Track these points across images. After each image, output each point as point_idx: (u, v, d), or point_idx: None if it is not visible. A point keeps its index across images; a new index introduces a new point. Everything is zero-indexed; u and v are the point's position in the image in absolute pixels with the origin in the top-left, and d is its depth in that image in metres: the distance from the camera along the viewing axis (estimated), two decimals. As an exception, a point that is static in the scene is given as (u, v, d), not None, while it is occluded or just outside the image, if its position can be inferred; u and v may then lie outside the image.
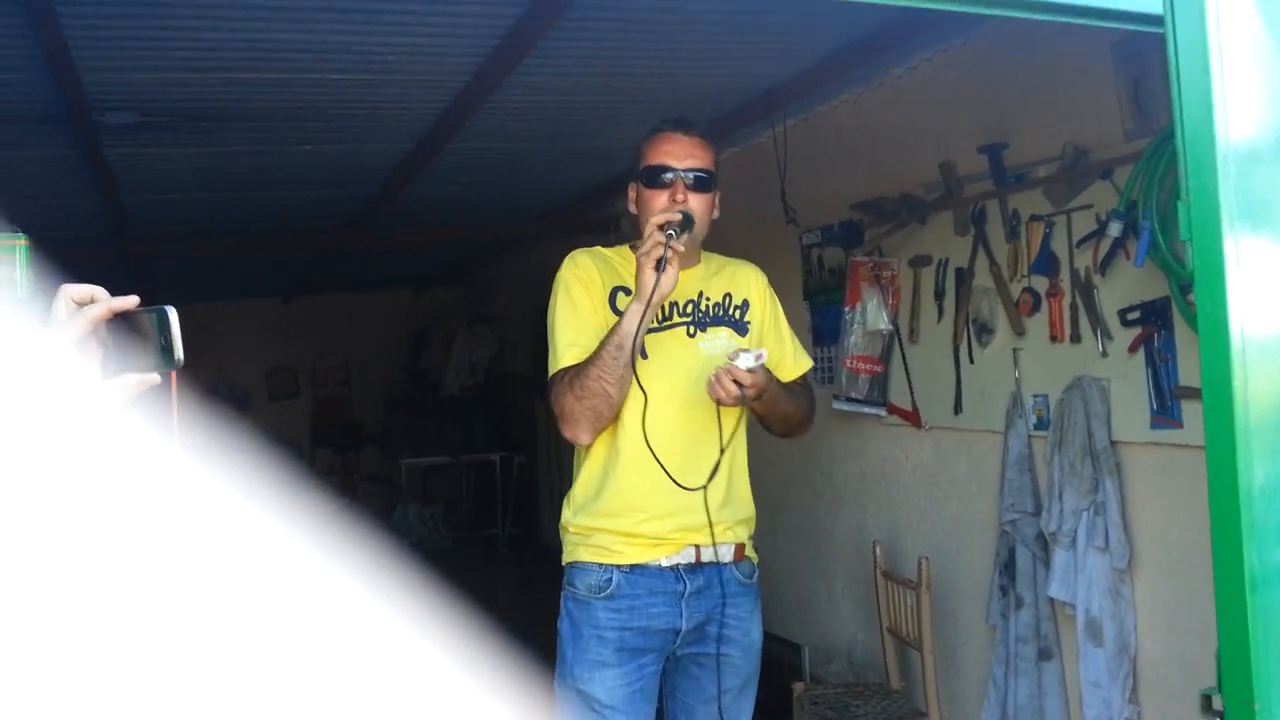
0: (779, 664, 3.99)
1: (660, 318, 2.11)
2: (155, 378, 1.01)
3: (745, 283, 2.25)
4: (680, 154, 2.10)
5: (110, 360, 1.01)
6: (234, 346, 8.95)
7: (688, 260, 2.13)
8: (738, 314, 2.21)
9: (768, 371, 2.06)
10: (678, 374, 2.08)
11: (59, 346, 0.98)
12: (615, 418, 2.07)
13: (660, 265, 1.95)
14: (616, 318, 2.05)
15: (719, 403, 2.00)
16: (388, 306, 9.73)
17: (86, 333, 0.99)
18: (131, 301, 1.01)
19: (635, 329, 1.98)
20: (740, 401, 1.99)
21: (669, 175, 2.09)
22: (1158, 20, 1.61)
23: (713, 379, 1.98)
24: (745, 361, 1.96)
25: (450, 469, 8.91)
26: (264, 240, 6.19)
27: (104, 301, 1.00)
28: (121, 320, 1.01)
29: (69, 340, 0.98)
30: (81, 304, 1.00)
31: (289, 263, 7.36)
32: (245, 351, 9.25)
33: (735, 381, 1.95)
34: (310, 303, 9.41)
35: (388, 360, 9.79)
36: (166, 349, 1.00)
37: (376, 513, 9.21)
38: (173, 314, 1.01)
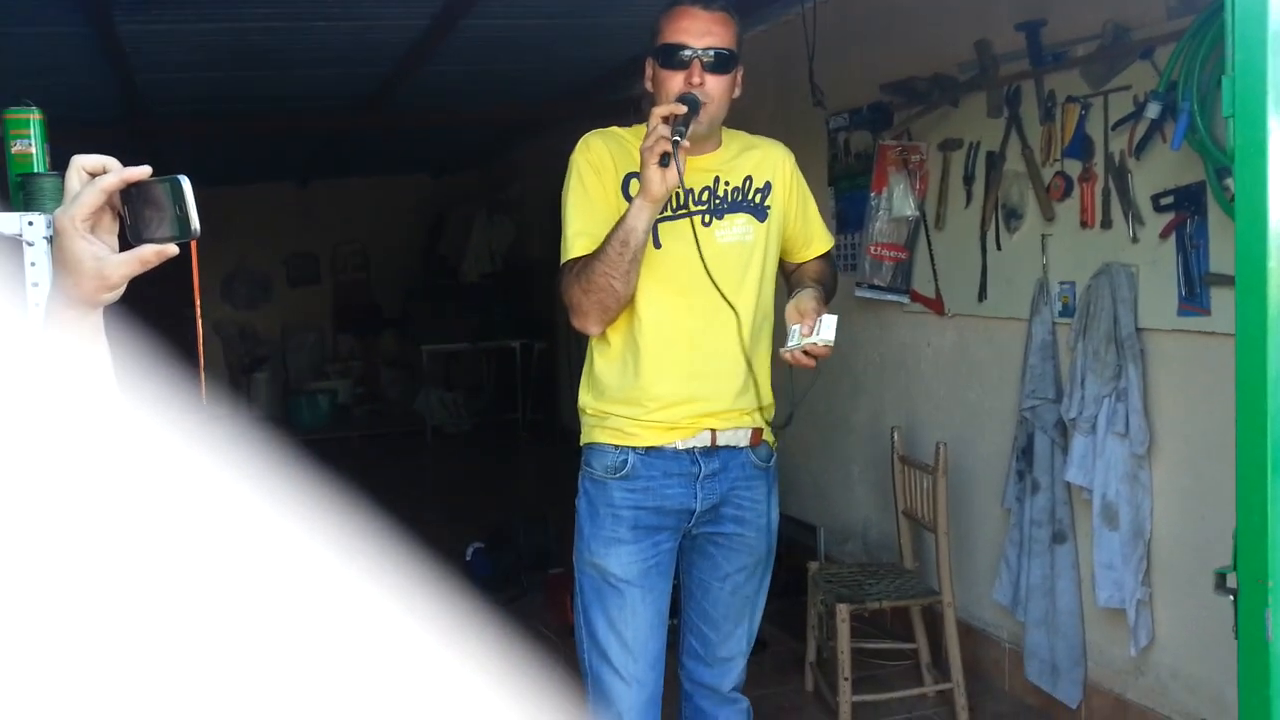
0: (795, 543, 4.07)
1: (675, 205, 2.06)
2: (173, 249, 1.00)
3: (770, 164, 2.18)
4: (698, 31, 2.01)
5: (130, 230, 1.00)
6: (252, 231, 8.95)
7: (706, 144, 2.08)
8: (758, 198, 2.16)
9: (817, 290, 2.12)
10: (692, 263, 2.05)
11: (74, 219, 0.97)
12: (629, 307, 2.06)
13: (664, 161, 1.89)
14: (629, 204, 2.01)
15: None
16: (405, 191, 9.66)
17: (100, 203, 0.98)
18: (144, 171, 1.00)
19: (640, 225, 1.95)
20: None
21: (686, 54, 2.00)
22: (1214, -118, 1.53)
23: (791, 355, 2.00)
24: (825, 335, 1.95)
25: (471, 355, 8.98)
26: (278, 120, 6.11)
27: (116, 171, 0.99)
28: (135, 191, 1.00)
29: (83, 211, 0.96)
30: (94, 174, 0.99)
31: (305, 145, 7.28)
32: (264, 236, 9.25)
33: (810, 354, 1.98)
34: (328, 186, 9.36)
35: (406, 246, 9.77)
36: (182, 219, 1.00)
37: (399, 397, 9.35)
38: (186, 183, 1.00)
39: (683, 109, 1.92)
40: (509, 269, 8.83)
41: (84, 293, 0.98)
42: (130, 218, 1.00)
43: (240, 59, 4.53)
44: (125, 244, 1.01)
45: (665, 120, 1.90)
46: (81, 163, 1.00)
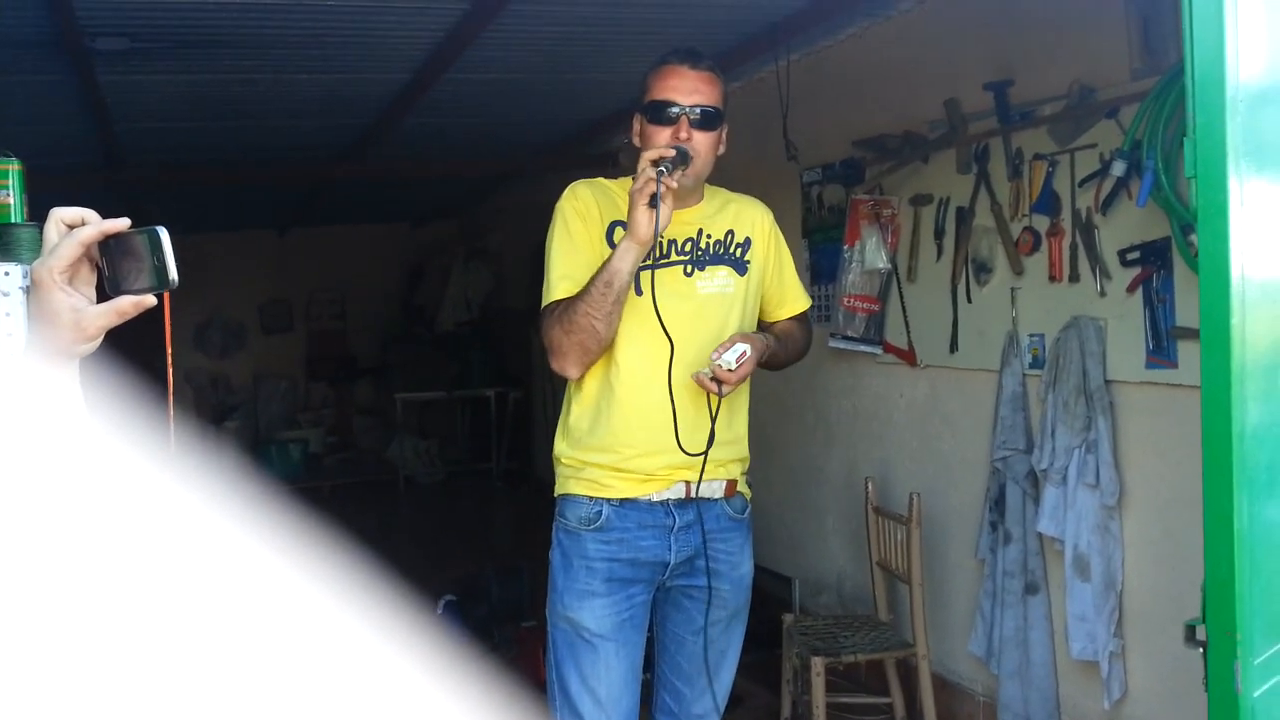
0: (769, 596, 4.05)
1: (658, 254, 2.08)
2: (150, 299, 1.00)
3: (749, 220, 2.22)
4: (686, 89, 2.06)
5: (109, 282, 1.00)
6: (228, 279, 8.92)
7: (690, 197, 2.11)
8: (738, 252, 2.19)
9: (765, 335, 2.13)
10: (673, 311, 2.07)
11: (51, 271, 0.97)
12: (607, 353, 2.07)
13: (653, 202, 1.93)
14: (613, 250, 2.04)
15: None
16: (384, 240, 9.68)
17: (78, 255, 0.98)
18: (122, 223, 1.00)
19: (625, 267, 1.97)
20: (722, 392, 2.03)
21: (674, 111, 2.05)
22: (1171, -46, 1.59)
23: (696, 378, 2.01)
24: (727, 360, 1.99)
25: (445, 404, 8.95)
26: (259, 170, 6.13)
27: (95, 223, 0.99)
28: (114, 243, 1.00)
29: (60, 263, 0.97)
30: (72, 226, 1.00)
31: (285, 194, 7.30)
32: (239, 284, 9.22)
33: (715, 379, 1.99)
34: (306, 235, 9.36)
35: (383, 294, 9.77)
36: (160, 269, 1.00)
37: (372, 446, 9.28)
38: (164, 234, 1.01)
39: (672, 153, 1.97)
40: (486, 318, 8.84)
41: (61, 344, 0.98)
42: (108, 269, 1.00)
43: (221, 110, 4.55)
44: (103, 295, 1.01)
45: (655, 164, 1.94)
46: (60, 215, 1.00)
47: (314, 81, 4.16)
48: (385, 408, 9.27)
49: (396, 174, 6.44)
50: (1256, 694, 1.59)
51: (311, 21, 3.34)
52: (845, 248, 3.77)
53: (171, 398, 9.34)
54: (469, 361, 8.77)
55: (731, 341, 2.03)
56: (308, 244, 9.42)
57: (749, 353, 2.02)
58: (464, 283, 8.83)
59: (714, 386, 2.01)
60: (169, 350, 9.29)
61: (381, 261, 9.71)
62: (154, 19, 3.21)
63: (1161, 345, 2.68)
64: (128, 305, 1.00)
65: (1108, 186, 2.77)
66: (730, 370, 1.99)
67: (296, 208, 7.96)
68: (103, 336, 1.01)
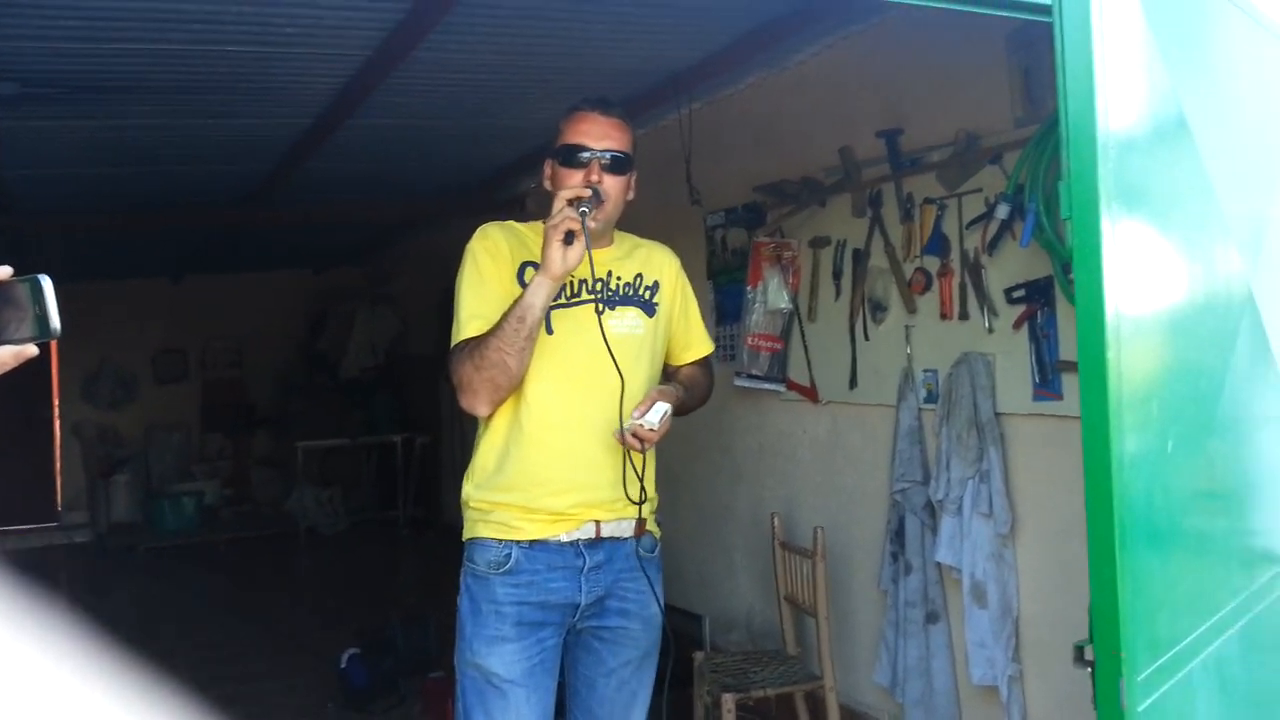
0: (680, 634, 4.05)
1: (569, 294, 2.11)
2: (33, 349, 0.99)
3: (657, 264, 2.27)
4: (597, 134, 2.11)
5: None
6: (119, 328, 8.64)
7: (600, 240, 2.15)
8: (647, 294, 2.23)
9: (675, 387, 2.18)
10: (582, 350, 2.09)
11: None
12: (516, 390, 2.08)
13: (568, 239, 1.97)
14: (524, 289, 2.06)
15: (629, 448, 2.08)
16: (285, 286, 9.49)
17: None
18: (4, 272, 0.99)
19: (538, 302, 2.00)
20: (644, 449, 2.07)
21: (585, 155, 2.09)
22: (1047, 10, 1.70)
23: (618, 435, 2.04)
24: (651, 420, 2.03)
25: (349, 452, 8.77)
26: (154, 217, 5.97)
27: None
28: None
29: None
30: None
31: (180, 241, 7.12)
32: (131, 333, 8.93)
33: (637, 436, 2.03)
34: (202, 283, 9.11)
35: (283, 341, 9.56)
36: (42, 318, 0.99)
37: (271, 498, 9.02)
38: (47, 282, 0.99)
39: (588, 193, 2.01)
40: (392, 363, 8.73)
41: None
42: None
43: (118, 156, 4.45)
44: None
45: (570, 203, 1.98)
46: None
47: (214, 126, 4.10)
48: (285, 458, 9.03)
49: (300, 219, 6.35)
50: (1141, 708, 1.66)
51: (212, 66, 3.31)
52: (749, 288, 3.86)
53: (59, 452, 8.95)
54: (374, 408, 8.63)
55: (651, 400, 2.06)
56: (204, 292, 9.17)
57: (669, 413, 2.07)
58: (369, 328, 8.72)
59: (636, 444, 2.04)
60: (55, 402, 8.92)
61: (283, 308, 9.51)
62: (47, 63, 3.14)
63: (1047, 378, 2.81)
64: (7, 355, 0.98)
65: (993, 228, 2.91)
66: (653, 430, 2.03)
67: (193, 254, 7.77)
68: None
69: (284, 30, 3.02)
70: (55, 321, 0.98)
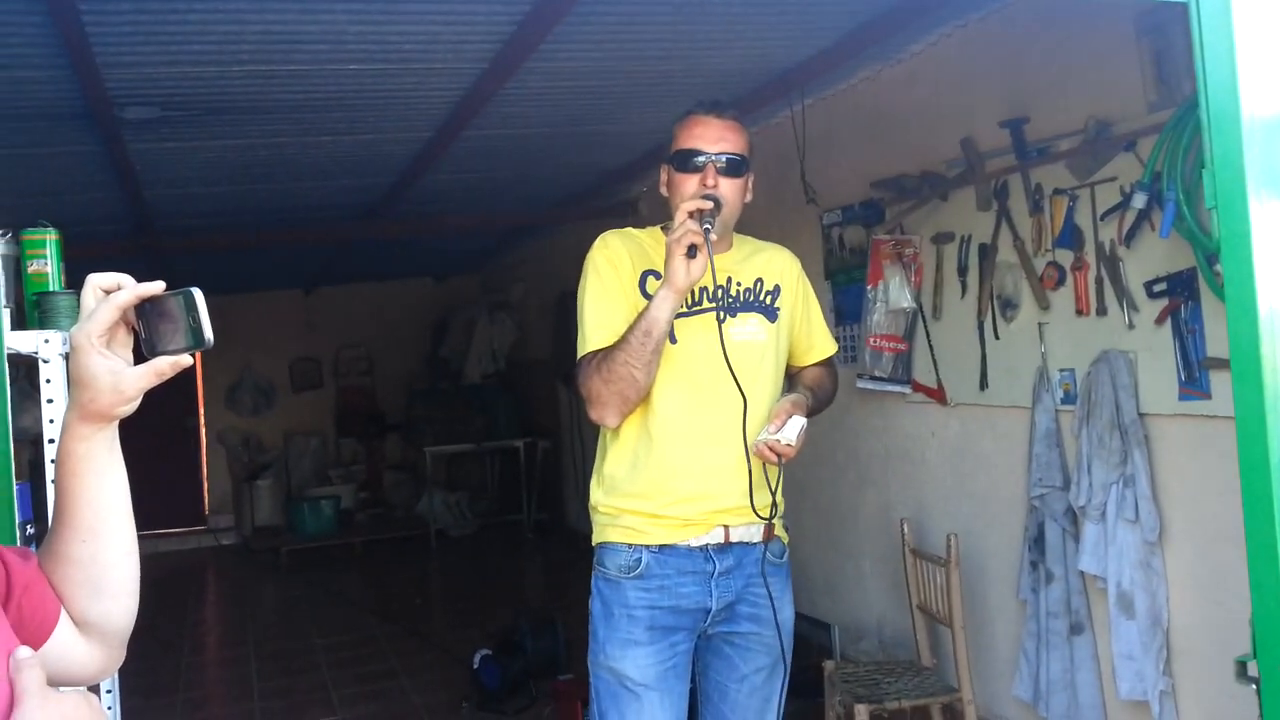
0: (809, 642, 4.01)
1: (690, 302, 2.10)
2: (188, 359, 1.02)
3: (777, 268, 2.25)
4: (712, 138, 2.10)
5: (145, 343, 1.02)
6: (257, 338, 9.03)
7: (719, 245, 2.13)
8: (768, 299, 2.21)
9: (803, 394, 2.16)
10: (706, 359, 2.08)
11: (89, 336, 0.99)
12: (644, 400, 2.09)
13: (691, 253, 1.96)
14: (646, 301, 2.05)
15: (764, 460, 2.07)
16: (408, 295, 9.78)
17: (115, 319, 1.00)
18: (158, 286, 1.02)
19: (664, 315, 1.99)
20: (781, 464, 2.06)
21: (700, 159, 2.08)
22: (1181, -11, 1.60)
23: (756, 449, 2.04)
24: (788, 435, 2.02)
25: (474, 456, 8.97)
26: (285, 231, 6.22)
27: (130, 288, 1.02)
28: (150, 305, 1.02)
29: (98, 328, 0.99)
30: (109, 291, 1.02)
31: (310, 253, 7.41)
32: (269, 343, 9.33)
33: (774, 450, 2.02)
34: (332, 293, 9.47)
35: (409, 349, 9.85)
36: (196, 329, 1.02)
37: (403, 501, 9.30)
38: (198, 294, 1.02)
39: (709, 205, 2.00)
40: (512, 369, 8.87)
41: (100, 407, 1.00)
42: (145, 331, 1.02)
43: (247, 174, 4.64)
44: (140, 357, 1.03)
45: (692, 215, 1.97)
46: (97, 281, 1.03)
47: (338, 143, 4.23)
48: (414, 462, 9.30)
49: (419, 230, 6.52)
50: (1312, 731, 1.55)
51: (335, 85, 3.41)
52: (869, 288, 3.77)
53: (205, 458, 9.42)
54: (496, 413, 8.79)
55: (785, 414, 2.05)
56: (334, 301, 9.54)
57: (804, 426, 2.05)
58: (489, 335, 8.89)
59: (773, 458, 2.04)
60: (200, 410, 9.39)
61: (406, 316, 9.80)
62: (181, 87, 3.29)
63: (1194, 376, 2.65)
64: (165, 366, 1.02)
65: (1130, 219, 2.76)
66: (790, 445, 2.02)
67: (322, 266, 8.07)
68: (141, 397, 1.02)
69: (402, 47, 3.09)
70: (208, 332, 1.02)
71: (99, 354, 0.99)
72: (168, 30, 2.79)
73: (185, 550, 8.70)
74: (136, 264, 6.48)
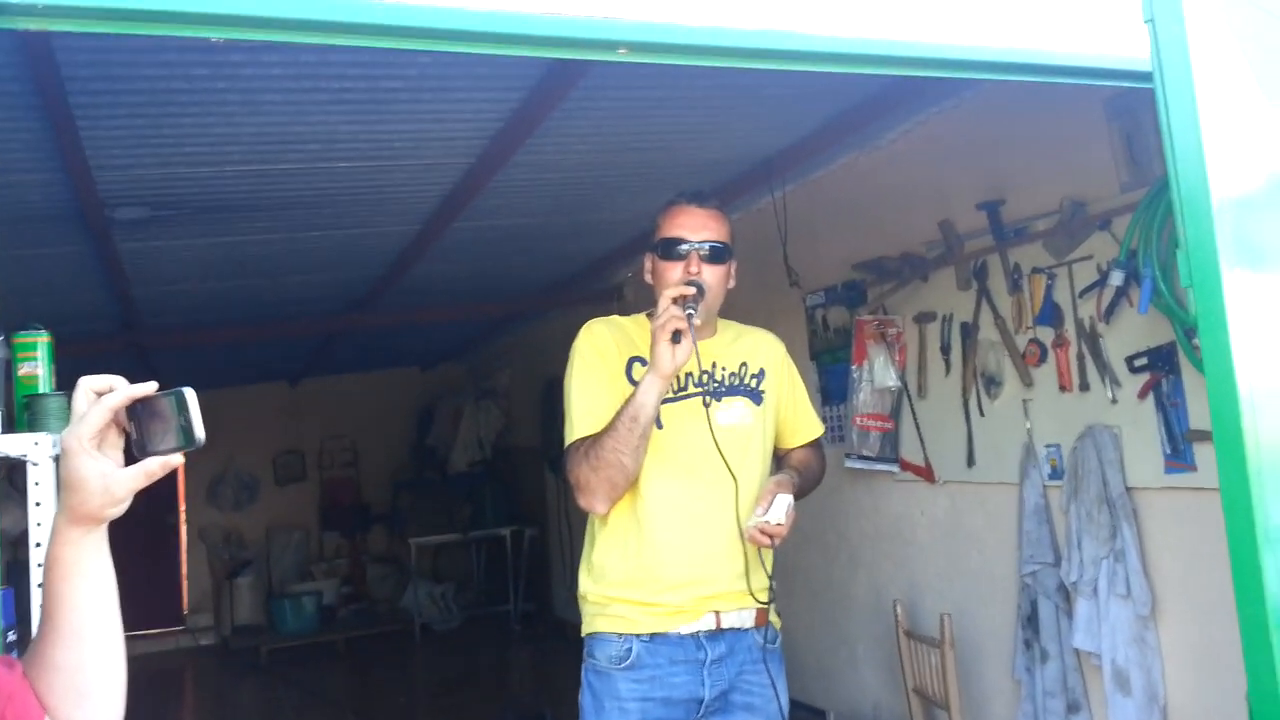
0: (805, 730, 3.94)
1: (676, 388, 2.12)
2: (178, 459, 1.03)
3: (762, 351, 2.28)
4: (695, 226, 2.14)
5: (136, 444, 1.03)
6: (242, 432, 8.97)
7: (703, 331, 2.16)
8: (754, 383, 2.23)
9: (789, 475, 2.17)
10: (694, 444, 2.09)
11: (80, 439, 1.00)
12: (631, 487, 2.09)
13: (676, 338, 1.98)
14: (632, 388, 2.07)
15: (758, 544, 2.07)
16: (394, 385, 9.76)
17: (107, 421, 1.01)
18: (150, 387, 1.04)
19: (650, 401, 2.01)
20: (774, 545, 2.07)
21: (684, 247, 2.13)
22: (1147, 76, 1.66)
23: (747, 534, 2.05)
24: (776, 515, 2.03)
25: (460, 547, 8.86)
26: (272, 326, 6.25)
27: (122, 389, 1.03)
28: (141, 405, 1.03)
29: (89, 430, 1.00)
30: (100, 394, 1.03)
31: (297, 346, 7.42)
32: (253, 437, 9.26)
33: (765, 533, 2.03)
34: (317, 385, 9.45)
35: (395, 439, 9.79)
36: (187, 429, 1.03)
37: (386, 595, 9.14)
38: (190, 394, 1.04)
39: (692, 290, 2.03)
40: (498, 456, 8.84)
41: (91, 509, 1.00)
42: (135, 432, 1.03)
43: (236, 270, 4.68)
44: (130, 457, 1.03)
45: (675, 301, 2.00)
46: (89, 384, 1.04)
47: (327, 238, 4.28)
48: (398, 554, 9.18)
49: (407, 321, 6.56)
50: (1318, 807, 1.53)
51: (326, 182, 3.47)
52: (854, 367, 3.81)
53: (185, 557, 9.27)
54: (482, 501, 8.72)
55: (771, 495, 2.06)
56: (320, 393, 9.51)
57: (792, 504, 2.06)
58: (475, 423, 8.86)
59: (765, 541, 2.04)
60: (181, 507, 9.27)
61: (392, 406, 9.77)
62: (173, 188, 3.33)
63: (1178, 449, 2.68)
64: (156, 467, 1.02)
65: (1108, 296, 2.82)
66: (780, 524, 2.03)
67: (309, 358, 8.07)
68: (131, 498, 1.03)
69: (393, 145, 3.15)
70: (199, 431, 1.03)
71: (90, 456, 1.00)
72: (160, 133, 2.84)
73: (163, 651, 8.49)
74: (123, 361, 6.47)
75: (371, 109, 2.83)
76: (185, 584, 9.24)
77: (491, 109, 2.94)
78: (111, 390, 1.03)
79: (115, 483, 1.00)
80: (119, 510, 1.02)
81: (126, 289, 4.69)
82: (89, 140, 2.78)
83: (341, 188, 3.55)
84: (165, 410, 1.03)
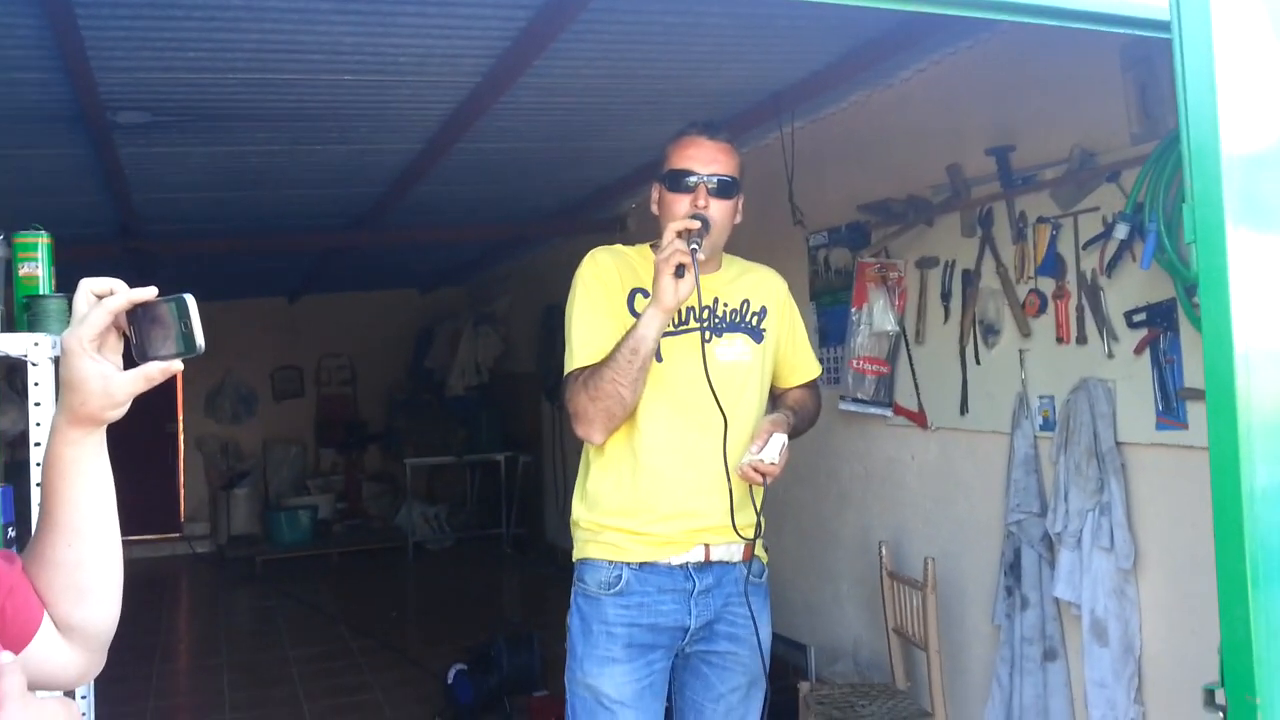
0: (785, 664, 4.01)
1: (676, 321, 2.12)
2: (178, 365, 1.04)
3: (765, 289, 2.27)
4: (704, 159, 2.12)
5: (136, 349, 1.03)
6: (240, 346, 8.99)
7: (707, 265, 2.15)
8: (754, 320, 2.22)
9: (785, 414, 2.17)
10: (691, 379, 2.09)
11: (80, 340, 1.00)
12: (629, 418, 2.10)
13: (679, 272, 1.97)
14: (634, 319, 2.07)
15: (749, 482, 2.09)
16: (393, 306, 9.76)
17: (107, 324, 1.01)
18: (150, 292, 1.04)
19: (651, 334, 2.00)
20: (766, 484, 2.09)
21: (692, 180, 2.10)
22: (1165, 26, 1.63)
23: (740, 471, 2.06)
24: (770, 454, 2.04)
25: (455, 469, 8.94)
26: (272, 239, 6.22)
27: (123, 293, 1.03)
28: (141, 311, 1.03)
29: (90, 331, 1.00)
30: (101, 296, 1.03)
31: (296, 261, 7.40)
32: (251, 351, 9.29)
33: (758, 470, 2.04)
34: (316, 302, 9.44)
35: (392, 360, 9.82)
36: (187, 336, 1.03)
37: (381, 513, 9.26)
38: (191, 301, 1.04)
39: (697, 224, 2.01)
40: (495, 381, 8.87)
41: (90, 410, 1.01)
42: (135, 337, 1.04)
43: (237, 180, 4.64)
44: (130, 362, 1.03)
45: (680, 235, 1.98)
46: (89, 285, 1.04)
47: (329, 152, 4.24)
48: (394, 473, 9.27)
49: (408, 240, 6.53)
50: (1279, 759, 1.57)
51: (329, 95, 3.43)
52: (853, 310, 3.80)
53: (182, 465, 9.36)
54: (478, 426, 8.77)
55: (766, 434, 2.07)
56: (318, 310, 9.51)
57: (786, 444, 2.07)
58: (473, 347, 8.88)
59: (758, 478, 2.06)
60: (180, 417, 9.33)
61: (390, 327, 9.78)
62: (175, 93, 3.29)
63: (1171, 406, 2.68)
64: (155, 371, 1.03)
65: (1111, 249, 2.80)
66: (773, 464, 2.04)
67: (308, 275, 8.05)
68: (130, 402, 1.03)
69: (398, 60, 3.10)
70: (200, 338, 1.04)
71: (90, 358, 1.00)
72: (164, 36, 2.80)
73: (160, 557, 8.62)
74: (122, 268, 6.45)
75: (376, 21, 2.78)
76: (183, 492, 9.35)
77: (499, 27, 2.89)
78: (112, 293, 1.03)
79: (115, 385, 1.01)
80: (118, 413, 1.03)
81: (126, 195, 4.66)
82: (90, 40, 2.74)
83: (345, 101, 3.51)
84: (165, 316, 1.04)
